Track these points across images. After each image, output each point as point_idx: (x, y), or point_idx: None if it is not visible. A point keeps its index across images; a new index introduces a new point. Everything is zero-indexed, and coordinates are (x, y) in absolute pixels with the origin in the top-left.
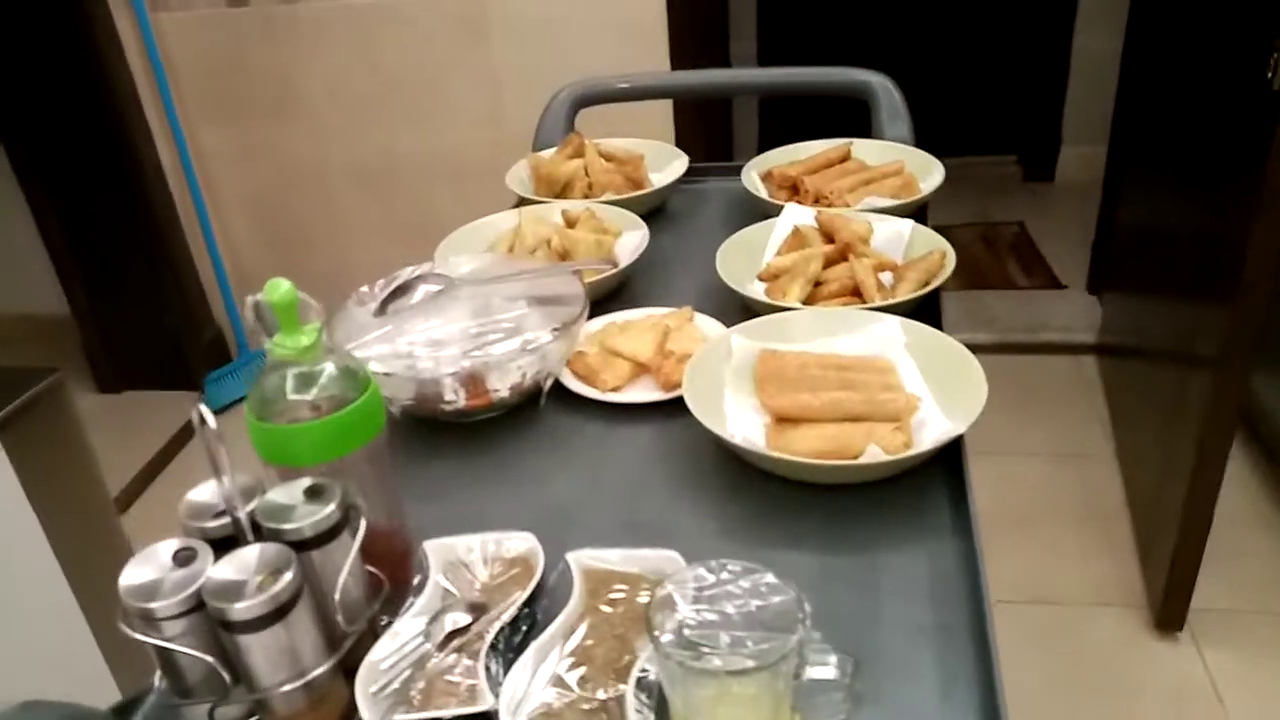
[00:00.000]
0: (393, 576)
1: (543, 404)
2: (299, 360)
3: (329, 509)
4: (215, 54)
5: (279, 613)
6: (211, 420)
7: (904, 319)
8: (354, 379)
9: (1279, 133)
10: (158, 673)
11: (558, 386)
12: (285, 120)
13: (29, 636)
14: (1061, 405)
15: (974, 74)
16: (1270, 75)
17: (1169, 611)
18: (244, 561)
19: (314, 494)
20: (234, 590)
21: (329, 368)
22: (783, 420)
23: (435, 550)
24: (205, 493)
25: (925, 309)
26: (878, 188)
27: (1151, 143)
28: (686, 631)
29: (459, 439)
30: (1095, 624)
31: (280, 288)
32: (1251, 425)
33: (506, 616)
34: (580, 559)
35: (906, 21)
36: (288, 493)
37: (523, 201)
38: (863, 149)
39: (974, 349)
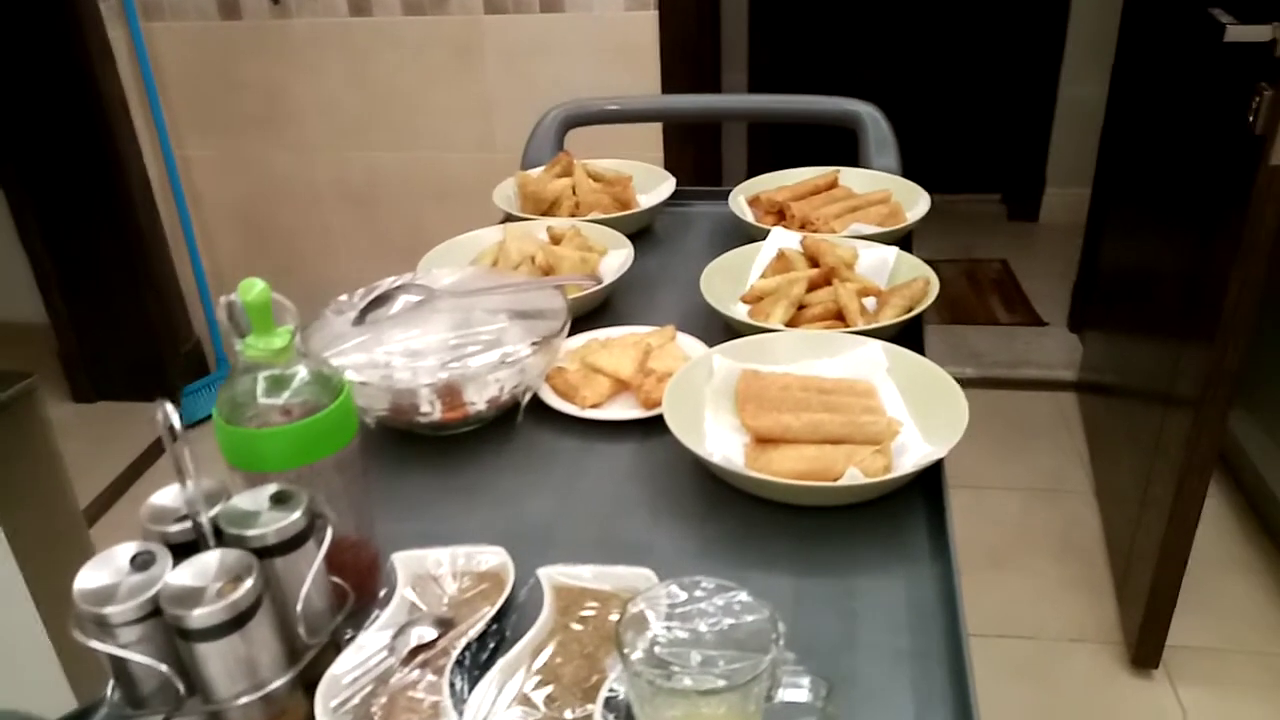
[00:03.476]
0: (359, 588)
1: (519, 419)
2: (271, 362)
3: (294, 516)
4: (206, 65)
5: (238, 621)
6: (176, 420)
7: (886, 344)
8: (327, 384)
9: (1259, 176)
10: (110, 682)
11: (536, 402)
12: (274, 134)
13: None
14: (1041, 441)
15: (961, 114)
16: (1251, 119)
17: (1144, 648)
18: (204, 567)
19: (280, 500)
20: (192, 597)
21: (302, 372)
22: (762, 441)
23: (404, 562)
24: (167, 496)
25: (907, 335)
26: (863, 215)
27: (1134, 186)
28: (657, 649)
29: (434, 452)
30: (1071, 660)
31: (254, 288)
32: (1228, 465)
33: (474, 632)
34: (551, 575)
35: (897, 63)
36: (253, 499)
37: (509, 219)
38: (850, 177)
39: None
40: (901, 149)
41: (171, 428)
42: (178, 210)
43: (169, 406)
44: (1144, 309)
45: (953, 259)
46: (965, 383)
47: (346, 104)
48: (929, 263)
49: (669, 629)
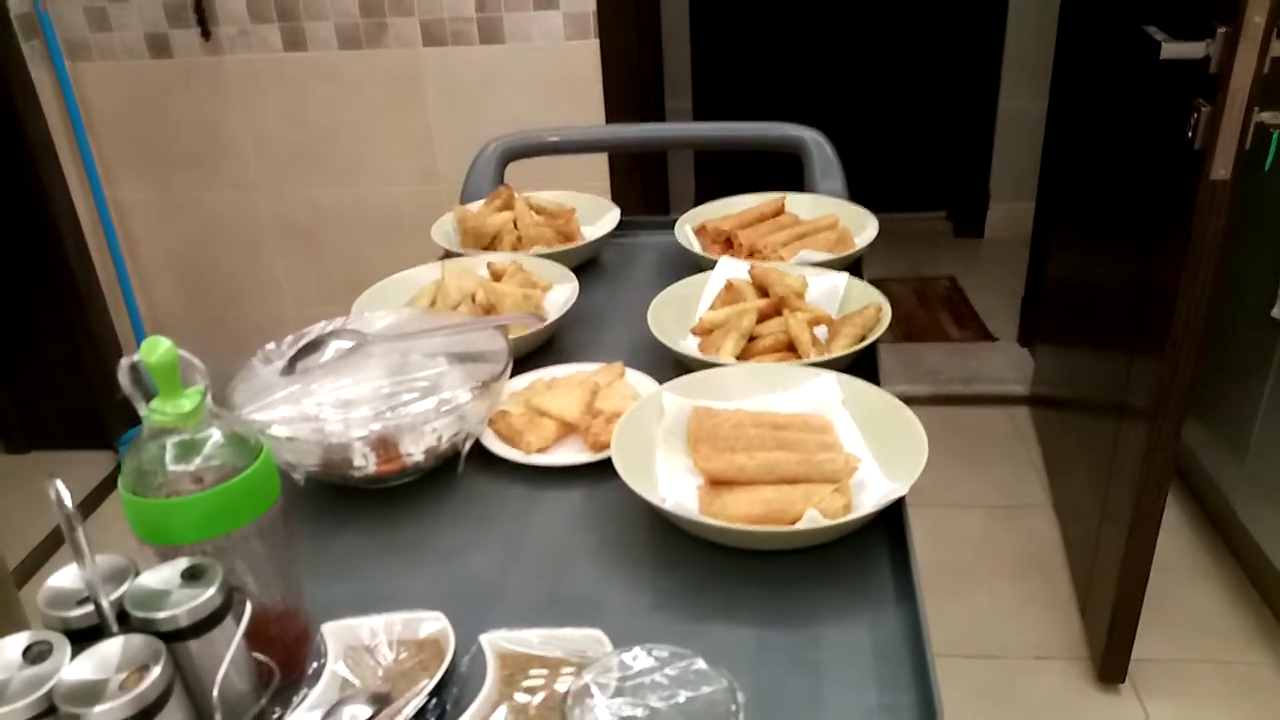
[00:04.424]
0: (286, 664)
1: (461, 469)
2: (180, 427)
3: (208, 593)
4: (137, 105)
5: (143, 716)
6: (68, 498)
7: (841, 375)
8: (244, 446)
9: (1200, 190)
10: None
11: (479, 449)
12: (210, 174)
13: None
14: (998, 457)
15: (905, 134)
16: (1190, 135)
17: (1110, 663)
18: (105, 657)
19: (192, 576)
20: (92, 691)
21: (215, 434)
22: (717, 483)
23: (335, 633)
24: (67, 577)
25: (862, 363)
26: (812, 241)
27: (1077, 199)
28: None
29: (369, 508)
30: (1038, 678)
31: (159, 347)
32: (1182, 474)
33: (410, 709)
34: (495, 641)
35: (840, 85)
36: (162, 575)
37: (449, 255)
38: (796, 203)
39: (909, 401)
40: (846, 170)
41: (65, 507)
42: (111, 253)
43: (59, 483)
44: (1093, 322)
45: (902, 277)
46: (920, 400)
47: (284, 140)
48: (878, 282)
49: (619, 705)
